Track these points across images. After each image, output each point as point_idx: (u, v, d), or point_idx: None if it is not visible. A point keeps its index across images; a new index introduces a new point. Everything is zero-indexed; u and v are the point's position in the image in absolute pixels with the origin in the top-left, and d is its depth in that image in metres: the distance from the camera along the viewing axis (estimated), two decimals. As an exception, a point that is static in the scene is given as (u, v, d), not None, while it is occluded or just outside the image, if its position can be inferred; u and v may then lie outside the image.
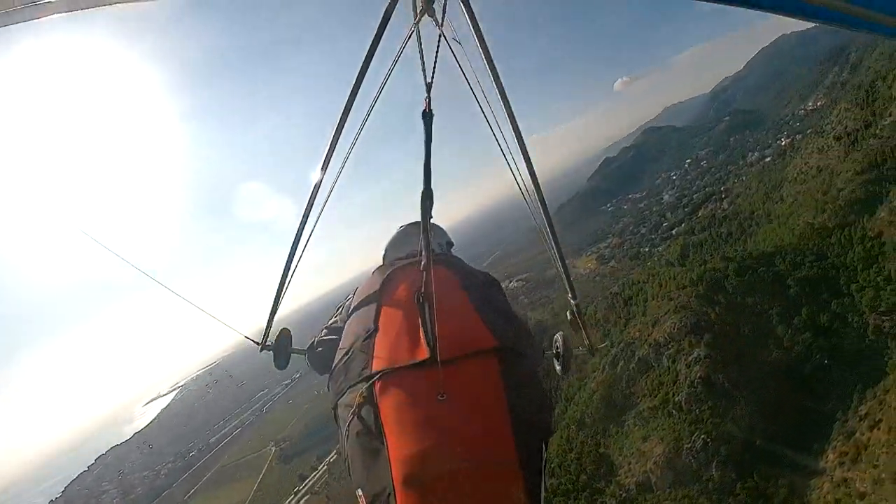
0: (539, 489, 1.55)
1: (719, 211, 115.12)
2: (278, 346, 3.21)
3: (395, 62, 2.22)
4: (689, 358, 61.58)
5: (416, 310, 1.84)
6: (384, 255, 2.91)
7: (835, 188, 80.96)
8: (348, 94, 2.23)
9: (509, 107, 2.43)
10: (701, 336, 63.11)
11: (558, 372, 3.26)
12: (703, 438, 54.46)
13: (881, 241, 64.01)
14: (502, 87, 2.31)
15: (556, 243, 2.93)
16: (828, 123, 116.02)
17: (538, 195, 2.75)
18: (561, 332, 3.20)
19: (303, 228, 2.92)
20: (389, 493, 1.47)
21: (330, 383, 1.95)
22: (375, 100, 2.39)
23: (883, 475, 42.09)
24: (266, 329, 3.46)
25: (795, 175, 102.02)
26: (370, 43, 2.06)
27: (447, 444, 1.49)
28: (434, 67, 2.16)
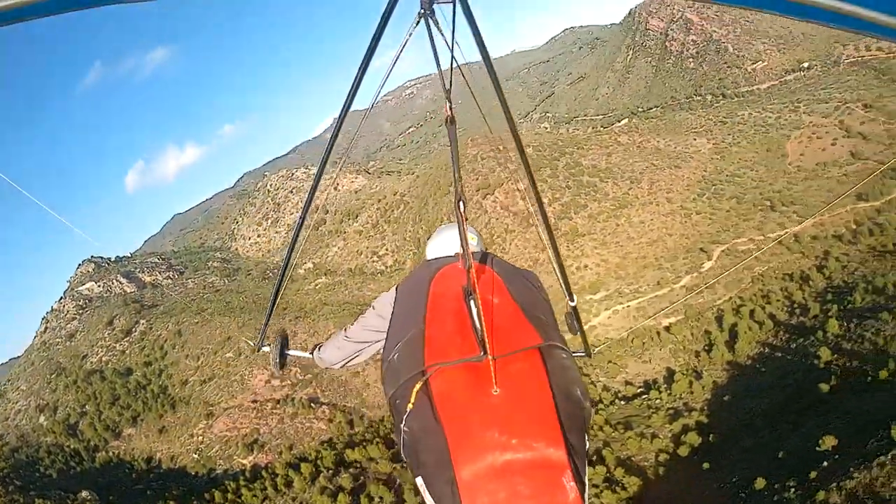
0: (584, 479, 1.65)
1: None
2: (275, 347, 3.20)
3: (393, 65, 2.18)
4: None
5: (464, 307, 1.94)
6: (427, 252, 2.98)
7: None
8: (346, 97, 2.18)
9: (508, 109, 2.42)
10: None
11: None
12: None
13: None
14: (501, 90, 2.28)
15: (554, 245, 2.96)
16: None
17: (536, 195, 2.76)
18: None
19: (299, 231, 2.88)
20: (452, 484, 1.57)
21: (385, 376, 2.04)
22: (373, 103, 2.36)
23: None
24: (262, 331, 3.43)
25: None
26: (368, 45, 2.01)
27: (503, 436, 1.59)
28: (451, 74, 2.16)
